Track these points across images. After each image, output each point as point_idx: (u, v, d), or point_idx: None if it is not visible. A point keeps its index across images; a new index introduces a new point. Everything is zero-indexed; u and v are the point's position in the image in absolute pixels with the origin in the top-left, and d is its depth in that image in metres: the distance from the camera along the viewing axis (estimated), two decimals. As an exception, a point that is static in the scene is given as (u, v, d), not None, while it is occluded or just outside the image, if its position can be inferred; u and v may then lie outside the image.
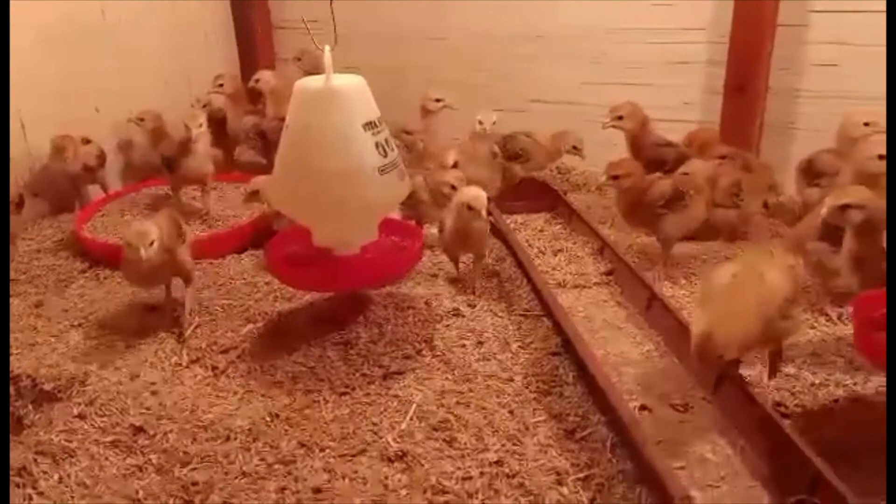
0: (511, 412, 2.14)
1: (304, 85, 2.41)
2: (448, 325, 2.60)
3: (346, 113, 2.33)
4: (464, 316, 2.64)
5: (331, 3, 2.43)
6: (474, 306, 2.71)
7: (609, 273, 2.98)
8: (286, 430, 2.07)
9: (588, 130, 3.69)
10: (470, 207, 2.69)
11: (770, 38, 3.64)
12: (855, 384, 2.19)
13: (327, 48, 2.39)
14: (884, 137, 2.90)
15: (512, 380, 2.29)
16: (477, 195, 2.70)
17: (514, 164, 3.71)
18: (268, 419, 2.12)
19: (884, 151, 2.62)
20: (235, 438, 2.04)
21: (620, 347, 2.48)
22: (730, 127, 3.70)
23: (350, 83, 2.40)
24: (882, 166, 2.62)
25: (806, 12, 3.61)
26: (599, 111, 3.67)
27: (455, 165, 3.27)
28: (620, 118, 3.39)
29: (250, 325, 2.62)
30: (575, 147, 3.66)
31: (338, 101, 2.34)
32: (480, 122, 3.55)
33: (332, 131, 2.32)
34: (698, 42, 3.89)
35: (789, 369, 2.28)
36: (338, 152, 2.32)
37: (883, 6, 3.44)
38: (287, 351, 2.44)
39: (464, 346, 2.48)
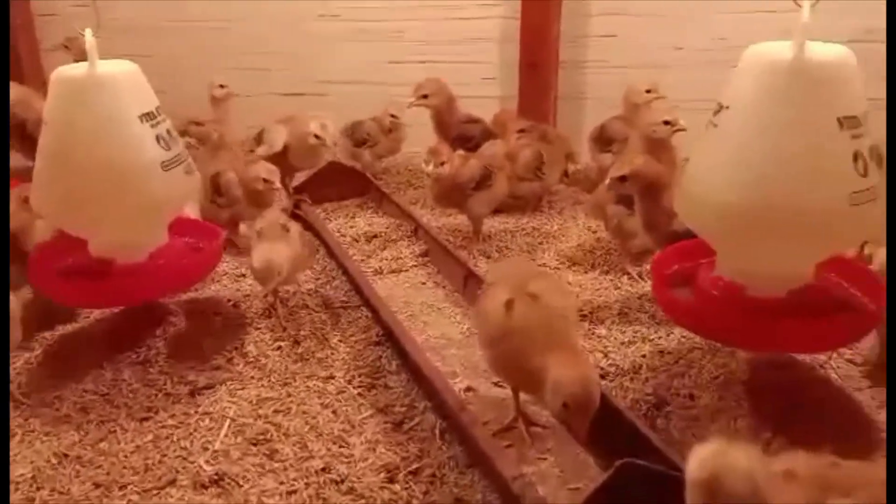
0: (335, 412, 2.03)
1: (65, 73, 2.12)
2: (260, 328, 2.43)
3: (116, 102, 2.08)
4: (278, 316, 2.48)
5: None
6: (288, 304, 2.56)
7: (424, 254, 2.94)
8: (77, 472, 1.81)
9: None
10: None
11: (557, 14, 3.76)
12: (660, 338, 2.30)
13: (88, 31, 2.11)
14: (665, 103, 3.09)
15: (333, 377, 2.18)
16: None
17: (364, 151, 3.57)
18: (54, 461, 1.84)
19: (667, 117, 2.78)
20: (17, 490, 1.76)
21: (441, 329, 2.44)
22: (527, 101, 3.80)
23: (119, 69, 2.14)
24: (666, 131, 2.77)
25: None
26: (402, 90, 3.63)
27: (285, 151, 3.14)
28: (426, 96, 3.34)
29: (26, 354, 2.29)
30: (393, 116, 3.58)
31: (106, 89, 2.08)
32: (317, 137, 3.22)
33: (101, 123, 2.06)
34: (493, 17, 3.94)
35: (601, 330, 2.36)
36: (110, 147, 2.07)
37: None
38: (73, 379, 2.16)
39: (279, 348, 2.32)
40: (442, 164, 2.83)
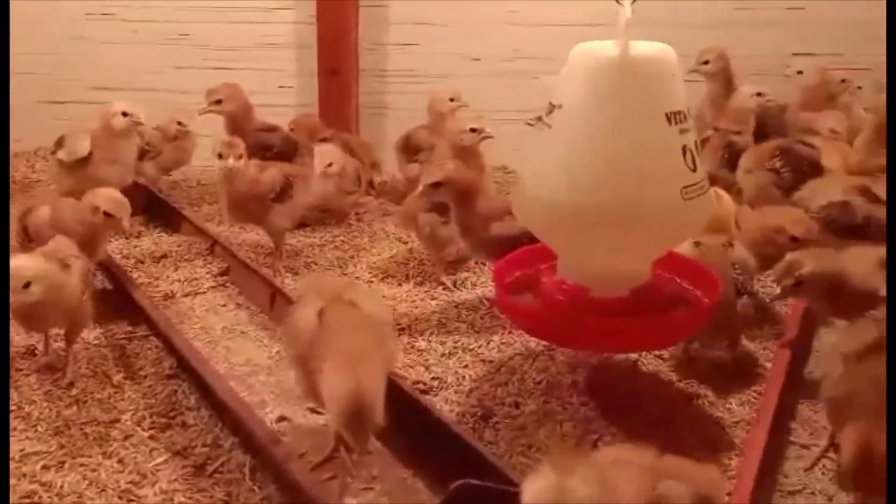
0: (121, 461, 1.73)
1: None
2: (23, 370, 2.04)
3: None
4: (45, 354, 2.10)
5: None
6: (57, 339, 2.17)
7: (223, 274, 2.66)
8: None
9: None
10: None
11: (355, 20, 3.64)
12: (480, 347, 2.23)
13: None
14: (468, 112, 3.07)
15: (118, 421, 1.87)
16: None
17: (146, 163, 3.15)
18: None
19: (473, 125, 2.73)
20: None
21: (247, 355, 2.20)
22: (327, 109, 3.63)
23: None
24: (473, 138, 2.72)
25: (385, -7, 3.70)
26: (189, 99, 3.30)
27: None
28: (219, 101, 3.04)
29: None
30: (180, 123, 3.21)
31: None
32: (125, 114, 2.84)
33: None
34: (287, 22, 3.74)
35: (420, 343, 2.25)
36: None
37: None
38: None
39: (48, 392, 1.96)
40: (240, 157, 2.54)
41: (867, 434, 1.49)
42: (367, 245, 2.97)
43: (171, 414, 1.90)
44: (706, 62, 3.20)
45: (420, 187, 2.34)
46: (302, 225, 2.99)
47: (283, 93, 3.79)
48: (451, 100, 3.15)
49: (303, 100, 3.77)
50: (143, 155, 3.11)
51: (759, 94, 3.06)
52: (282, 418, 1.91)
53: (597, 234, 1.75)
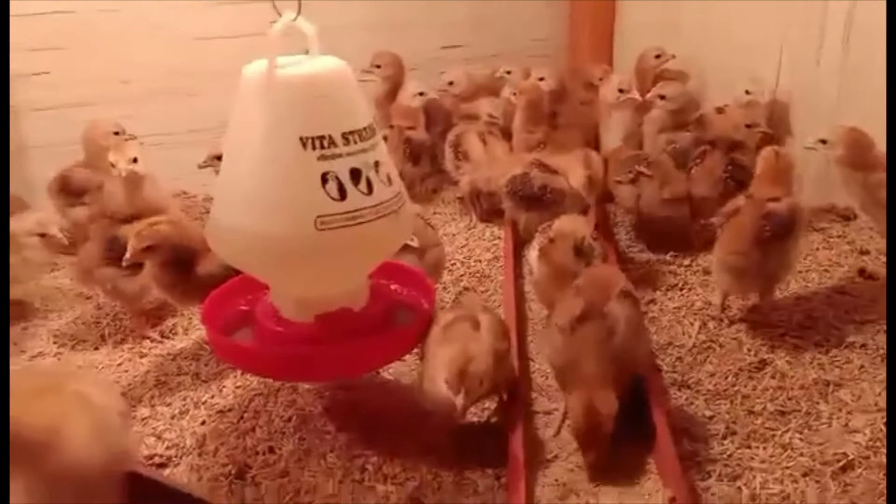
0: None
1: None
2: None
3: None
4: None
5: None
6: None
7: None
8: None
9: None
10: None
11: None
12: (213, 397, 2.05)
13: None
14: (132, 143, 2.75)
15: None
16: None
17: None
18: None
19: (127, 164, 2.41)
20: None
21: None
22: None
23: None
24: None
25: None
26: None
27: None
28: None
29: None
30: None
31: None
32: None
33: None
34: None
35: (142, 411, 2.00)
36: None
37: (86, 7, 3.28)
38: None
39: None
40: None
41: (590, 398, 1.68)
42: (40, 310, 2.54)
43: None
44: (378, 66, 3.31)
45: (128, 252, 2.04)
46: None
47: None
48: (116, 133, 2.80)
49: None
50: None
51: (421, 94, 3.26)
52: None
53: (265, 263, 1.70)
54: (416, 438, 1.83)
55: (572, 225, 2.16)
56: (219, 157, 2.64)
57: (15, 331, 2.41)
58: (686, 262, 2.67)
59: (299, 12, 1.63)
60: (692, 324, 2.30)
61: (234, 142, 1.67)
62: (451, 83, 3.44)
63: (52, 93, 3.30)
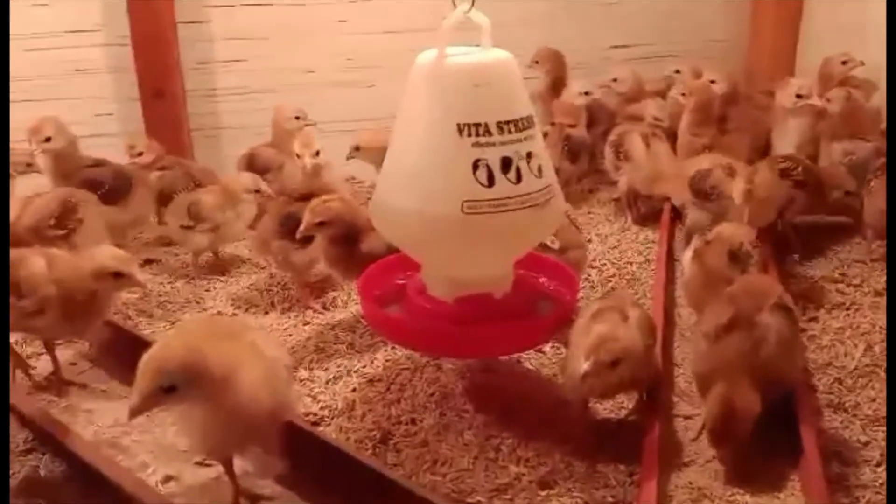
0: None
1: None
2: None
3: None
4: None
5: None
6: None
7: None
8: None
9: None
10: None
11: (174, 39, 3.43)
12: (364, 367, 2.19)
13: None
14: (311, 130, 2.98)
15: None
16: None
17: None
18: None
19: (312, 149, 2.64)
20: None
21: (113, 415, 2.00)
22: (156, 135, 3.38)
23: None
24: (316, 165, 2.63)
25: (202, 8, 3.51)
26: None
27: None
28: (48, 139, 2.72)
29: None
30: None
31: None
32: None
33: None
34: (96, 45, 3.45)
35: (301, 373, 2.17)
36: None
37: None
38: None
39: None
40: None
41: (729, 391, 1.64)
42: (221, 275, 2.82)
43: (36, 494, 1.70)
44: (537, 62, 3.37)
45: (303, 224, 2.21)
46: (147, 261, 2.81)
47: (101, 121, 3.49)
48: (297, 118, 3.06)
49: (126, 127, 3.50)
50: None
51: (586, 93, 3.27)
52: (168, 478, 1.76)
53: (420, 243, 1.79)
54: (551, 427, 1.87)
55: (732, 230, 2.11)
56: (357, 148, 2.88)
57: (197, 290, 2.69)
58: (856, 281, 2.51)
59: (473, 4, 1.71)
60: (856, 346, 2.16)
61: (401, 126, 1.79)
62: (615, 80, 3.41)
63: (246, 79, 3.63)
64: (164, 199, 2.87)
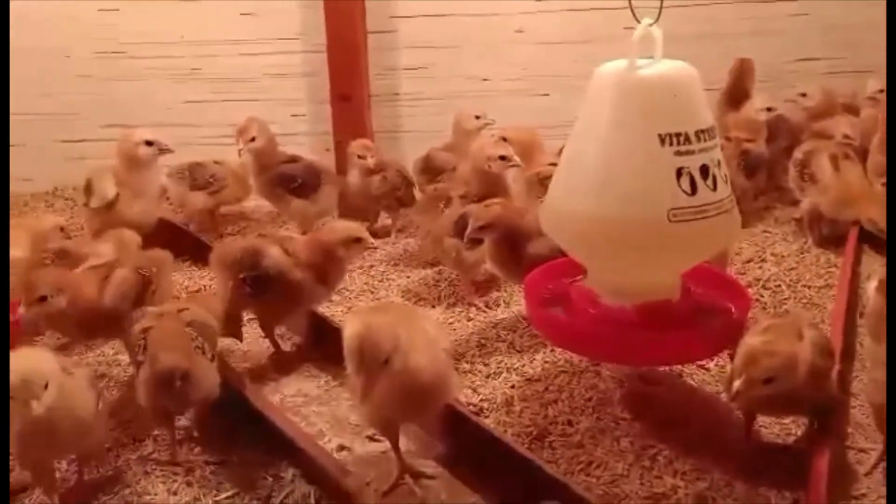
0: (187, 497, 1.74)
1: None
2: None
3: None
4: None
5: None
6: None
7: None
8: None
9: (204, 153, 3.28)
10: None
11: (364, 47, 3.67)
12: (524, 366, 2.25)
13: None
14: (495, 133, 3.09)
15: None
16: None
17: (201, 194, 3.15)
18: None
19: (502, 152, 2.71)
20: None
21: (297, 386, 2.20)
22: (341, 135, 3.64)
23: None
24: (501, 166, 2.71)
25: (390, 18, 3.74)
26: (200, 132, 3.42)
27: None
28: (253, 139, 2.99)
29: None
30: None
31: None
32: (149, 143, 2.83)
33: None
34: (295, 52, 3.77)
35: (463, 366, 2.26)
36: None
37: (456, 11, 3.74)
38: None
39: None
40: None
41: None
42: (394, 269, 2.99)
43: (230, 449, 1.91)
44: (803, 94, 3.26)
45: (468, 229, 2.33)
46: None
47: (295, 121, 3.82)
48: (477, 117, 3.20)
49: (315, 127, 3.80)
50: (202, 186, 3.11)
51: (769, 109, 3.14)
52: (342, 447, 1.92)
53: (607, 249, 1.80)
54: (711, 443, 1.84)
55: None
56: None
57: (372, 280, 2.87)
58: None
59: (658, 17, 1.73)
60: None
61: (585, 134, 1.81)
62: (803, 95, 3.25)
63: (426, 85, 3.82)
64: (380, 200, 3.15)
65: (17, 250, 2.36)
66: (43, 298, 1.98)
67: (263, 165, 3.02)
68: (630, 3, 1.78)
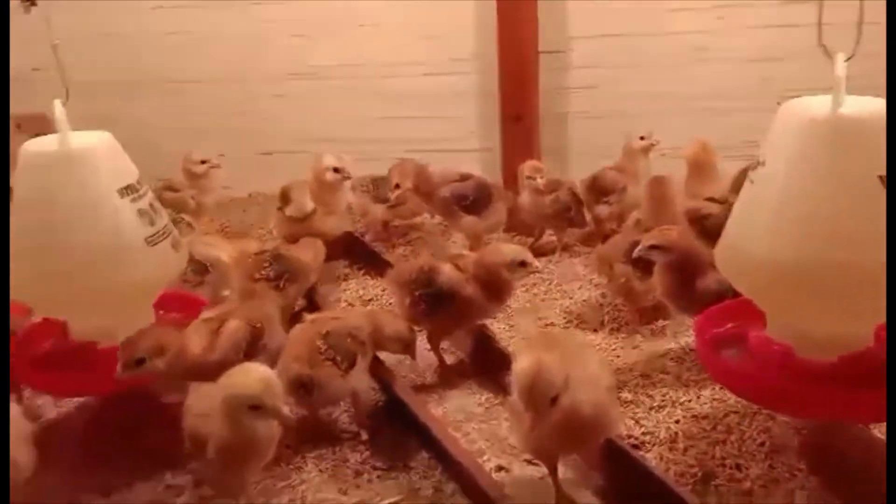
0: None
1: (33, 148, 2.01)
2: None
3: (93, 178, 1.97)
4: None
5: (55, 48, 2.02)
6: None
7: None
8: None
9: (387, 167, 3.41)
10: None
11: (536, 68, 3.72)
12: (690, 401, 2.18)
13: (58, 102, 2.01)
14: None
15: (346, 461, 2.00)
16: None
17: (381, 207, 3.33)
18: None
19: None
20: None
21: (458, 401, 2.27)
22: (511, 153, 3.71)
23: (93, 142, 2.01)
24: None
25: (564, 39, 3.76)
26: (383, 147, 3.61)
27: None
28: (398, 186, 3.15)
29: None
30: None
31: (80, 165, 1.97)
32: (336, 170, 3.16)
33: (75, 202, 1.95)
34: (470, 73, 3.89)
35: (625, 394, 2.23)
36: (87, 226, 1.95)
37: (632, 30, 3.69)
38: None
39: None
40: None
41: None
42: (557, 288, 2.99)
43: (395, 457, 2.01)
44: None
45: (638, 247, 2.31)
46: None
47: (468, 138, 3.94)
48: (642, 138, 3.15)
49: (484, 144, 3.91)
50: (384, 200, 3.31)
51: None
52: (500, 468, 1.96)
53: (801, 294, 1.68)
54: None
55: None
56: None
57: (534, 299, 2.89)
58: None
59: (853, 54, 1.64)
60: None
61: (775, 173, 1.71)
62: None
63: (597, 104, 3.81)
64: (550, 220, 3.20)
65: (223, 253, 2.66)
66: (141, 361, 1.90)
67: (423, 195, 3.16)
68: (819, 31, 1.69)
